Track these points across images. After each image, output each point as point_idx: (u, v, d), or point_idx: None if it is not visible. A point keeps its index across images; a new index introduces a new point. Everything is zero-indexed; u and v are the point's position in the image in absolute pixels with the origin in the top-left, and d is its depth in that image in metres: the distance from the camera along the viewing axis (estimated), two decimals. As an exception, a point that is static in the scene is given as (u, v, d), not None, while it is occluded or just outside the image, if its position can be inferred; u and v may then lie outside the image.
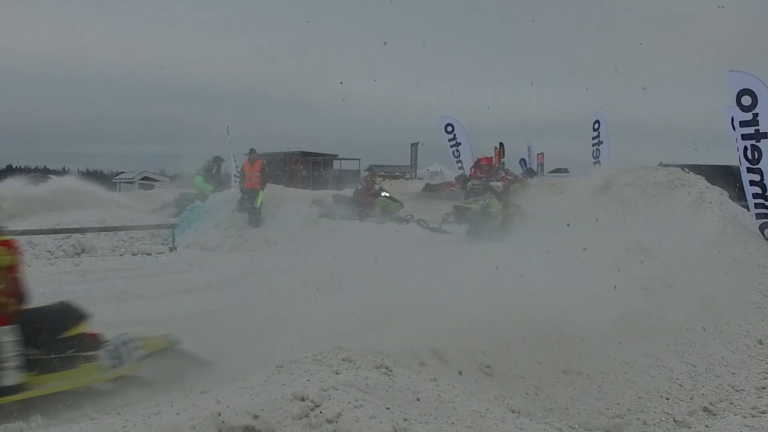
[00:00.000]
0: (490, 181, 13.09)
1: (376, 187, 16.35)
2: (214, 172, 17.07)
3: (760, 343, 6.00)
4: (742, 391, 4.89)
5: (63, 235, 12.25)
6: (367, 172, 18.87)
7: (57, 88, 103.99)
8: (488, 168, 13.72)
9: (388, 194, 16.14)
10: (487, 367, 4.00)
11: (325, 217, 14.59)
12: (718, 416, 4.34)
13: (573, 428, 3.71)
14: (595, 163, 20.67)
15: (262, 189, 14.19)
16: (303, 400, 2.92)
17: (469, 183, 13.35)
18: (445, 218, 12.64)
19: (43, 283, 8.78)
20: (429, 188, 18.13)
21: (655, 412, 4.29)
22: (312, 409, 2.88)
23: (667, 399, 4.52)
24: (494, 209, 12.45)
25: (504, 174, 17.73)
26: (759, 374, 5.32)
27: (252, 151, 14.97)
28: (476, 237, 12.16)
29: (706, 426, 4.12)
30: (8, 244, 4.18)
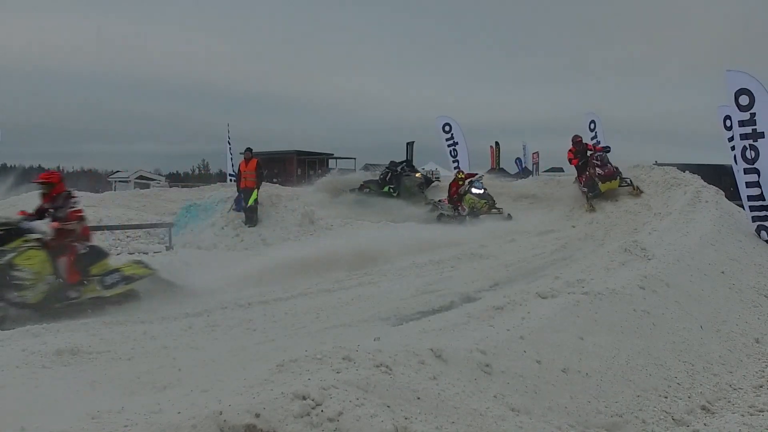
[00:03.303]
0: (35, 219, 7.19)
1: (466, 184, 15.48)
2: (387, 178, 17.63)
3: (757, 342, 6.02)
4: (739, 390, 4.90)
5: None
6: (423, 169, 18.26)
7: (50, 86, 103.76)
8: (48, 187, 7.47)
9: (481, 191, 15.07)
10: (486, 365, 4.00)
11: (444, 220, 14.79)
12: (717, 414, 4.35)
13: (572, 427, 3.71)
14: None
15: (258, 188, 14.17)
16: (304, 398, 2.92)
17: None
18: None
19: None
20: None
21: (654, 411, 4.30)
22: (313, 408, 2.89)
23: (666, 397, 4.52)
24: (29, 268, 6.82)
25: (610, 167, 13.52)
26: (756, 372, 5.33)
27: (248, 150, 14.95)
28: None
29: (705, 424, 4.12)
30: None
